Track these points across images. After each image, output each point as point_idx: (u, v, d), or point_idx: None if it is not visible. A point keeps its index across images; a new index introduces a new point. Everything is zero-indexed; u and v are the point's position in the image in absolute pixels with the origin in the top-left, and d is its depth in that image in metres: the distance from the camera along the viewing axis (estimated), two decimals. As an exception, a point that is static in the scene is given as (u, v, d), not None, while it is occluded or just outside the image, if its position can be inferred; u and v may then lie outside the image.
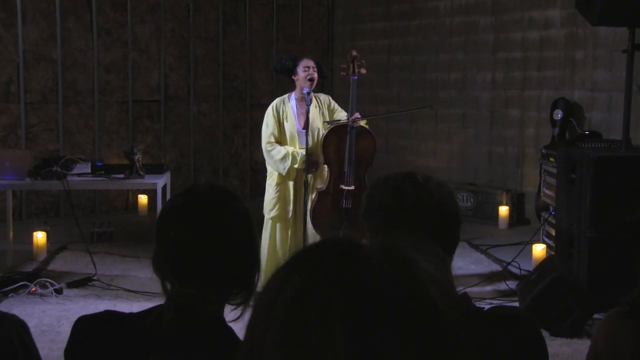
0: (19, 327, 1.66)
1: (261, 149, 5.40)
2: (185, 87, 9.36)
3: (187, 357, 1.51)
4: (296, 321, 0.61)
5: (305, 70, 5.21)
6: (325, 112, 5.36)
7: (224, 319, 1.61)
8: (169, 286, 1.62)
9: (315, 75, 5.23)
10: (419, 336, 0.60)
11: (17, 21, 8.11)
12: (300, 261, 0.67)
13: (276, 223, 5.35)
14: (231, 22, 9.63)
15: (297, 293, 0.63)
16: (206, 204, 1.61)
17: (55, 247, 6.94)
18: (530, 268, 6.06)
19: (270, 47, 9.91)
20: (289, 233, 5.38)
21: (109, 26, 8.76)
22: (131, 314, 1.64)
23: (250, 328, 0.68)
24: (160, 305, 1.61)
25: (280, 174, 5.31)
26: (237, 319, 1.64)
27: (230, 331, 1.59)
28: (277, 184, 5.35)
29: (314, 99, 5.31)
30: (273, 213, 5.33)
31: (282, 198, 5.35)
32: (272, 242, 5.38)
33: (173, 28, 9.21)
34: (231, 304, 1.64)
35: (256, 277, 1.65)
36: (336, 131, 5.19)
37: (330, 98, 5.48)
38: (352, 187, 5.20)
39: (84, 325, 1.63)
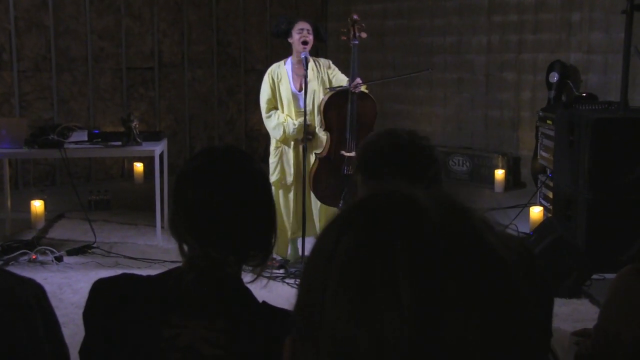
0: (38, 291, 1.67)
1: (256, 115, 5.42)
2: (179, 53, 9.29)
3: (207, 318, 1.52)
4: (358, 271, 0.61)
5: (300, 32, 5.18)
6: (324, 76, 5.33)
7: (242, 280, 1.62)
8: (186, 248, 1.61)
9: (310, 37, 5.19)
10: (482, 280, 0.61)
11: (8, -12, 8.01)
12: (356, 213, 0.67)
13: (277, 187, 5.35)
14: (224, -13, 9.54)
15: (356, 245, 0.63)
16: (223, 164, 1.61)
17: (52, 216, 6.95)
18: (528, 230, 6.11)
19: (264, 12, 9.84)
20: (291, 197, 5.38)
21: (101, -8, 8.67)
22: (149, 276, 1.64)
23: (306, 284, 0.67)
24: (179, 267, 1.61)
25: None
26: (254, 281, 1.65)
27: (249, 292, 1.60)
28: (276, 148, 5.39)
29: (311, 61, 5.29)
30: (274, 177, 5.33)
31: (281, 162, 5.36)
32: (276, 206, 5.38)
33: (166, -7, 9.12)
34: (248, 266, 1.64)
35: (273, 239, 1.65)
36: (337, 97, 5.15)
37: (331, 62, 5.45)
38: (353, 153, 5.18)
39: (102, 287, 1.63)
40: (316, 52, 8.24)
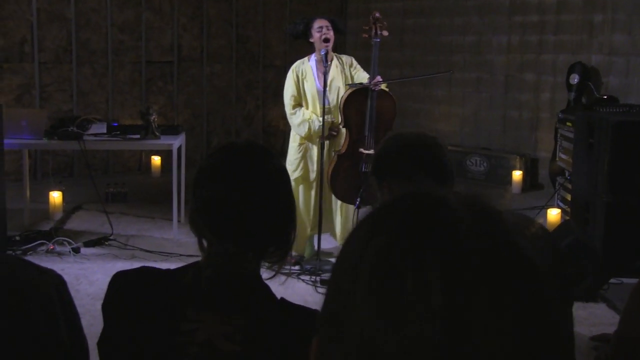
0: (58, 282, 1.67)
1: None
2: (198, 48, 9.31)
3: (225, 314, 1.52)
4: (389, 273, 0.61)
5: (319, 30, 5.16)
6: (347, 72, 5.32)
7: (260, 276, 1.62)
8: (205, 243, 1.61)
9: (331, 34, 5.18)
10: (513, 285, 0.60)
11: (31, -21, 8.06)
12: (388, 214, 0.66)
13: (299, 184, 5.33)
14: (244, -18, 9.55)
15: (388, 246, 0.62)
16: (243, 160, 1.61)
17: (70, 207, 6.98)
18: (545, 232, 6.07)
19: (284, 8, 9.84)
20: (312, 194, 5.37)
21: (122, -15, 8.71)
22: (168, 270, 1.64)
23: (335, 284, 0.67)
24: (197, 262, 1.61)
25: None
26: (272, 277, 1.64)
27: (268, 288, 1.59)
28: (300, 144, 5.35)
29: (335, 58, 5.28)
30: (297, 174, 5.29)
31: (305, 158, 5.34)
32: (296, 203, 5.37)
33: (186, -12, 9.14)
34: (267, 262, 1.64)
35: (292, 235, 1.65)
36: (357, 94, 5.13)
37: (353, 59, 5.43)
38: (372, 151, 5.17)
39: (121, 280, 1.63)
40: (335, 49, 8.22)
